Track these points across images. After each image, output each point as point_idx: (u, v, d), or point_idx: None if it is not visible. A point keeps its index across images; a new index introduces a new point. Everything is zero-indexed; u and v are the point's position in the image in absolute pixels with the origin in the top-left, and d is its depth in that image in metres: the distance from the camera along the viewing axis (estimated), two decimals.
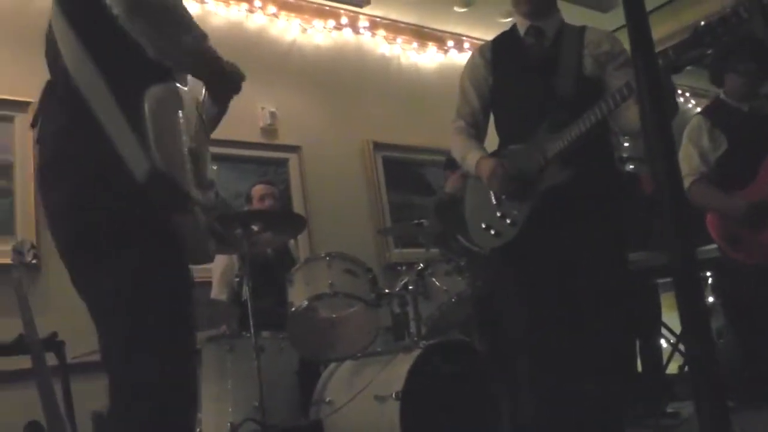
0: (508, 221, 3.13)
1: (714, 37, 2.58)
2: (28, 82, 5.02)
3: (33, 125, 1.99)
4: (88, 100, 1.80)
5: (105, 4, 1.79)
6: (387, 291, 4.25)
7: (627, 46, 1.24)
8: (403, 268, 4.92)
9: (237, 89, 2.09)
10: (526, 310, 3.13)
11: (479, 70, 3.39)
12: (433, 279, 4.24)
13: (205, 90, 2.04)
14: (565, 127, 2.99)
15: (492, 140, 3.41)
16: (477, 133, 3.42)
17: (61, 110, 1.90)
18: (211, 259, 1.95)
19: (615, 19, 7.77)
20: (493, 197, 3.22)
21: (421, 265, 4.33)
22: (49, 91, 1.96)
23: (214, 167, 2.09)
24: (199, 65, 1.96)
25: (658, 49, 1.35)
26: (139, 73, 1.83)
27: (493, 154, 3.27)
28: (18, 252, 3.70)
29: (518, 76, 3.28)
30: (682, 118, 4.09)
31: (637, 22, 1.19)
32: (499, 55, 3.37)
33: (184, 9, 1.91)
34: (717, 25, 2.56)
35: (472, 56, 3.49)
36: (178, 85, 1.93)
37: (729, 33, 2.57)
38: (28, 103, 5.00)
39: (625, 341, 3.51)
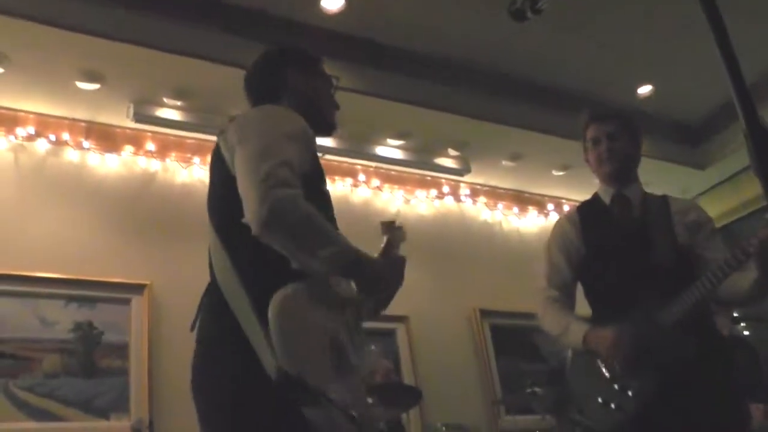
0: (630, 393, 2.94)
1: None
2: (142, 266, 5.26)
3: (192, 329, 2.16)
4: (231, 306, 1.98)
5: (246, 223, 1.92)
6: None
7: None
8: None
9: (384, 289, 2.21)
10: None
11: (569, 239, 3.30)
12: None
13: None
14: (670, 297, 2.90)
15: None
16: (570, 302, 3.29)
17: (210, 316, 2.10)
18: None
19: (712, 176, 7.75)
20: (605, 370, 3.04)
21: None
22: (206, 296, 2.16)
23: (372, 347, 2.17)
24: (341, 272, 2.06)
25: None
26: (277, 277, 1.92)
27: (592, 324, 3.10)
28: (137, 430, 3.74)
29: (612, 246, 3.18)
30: None
31: None
32: (588, 223, 3.30)
33: (321, 219, 1.98)
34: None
35: (560, 224, 3.41)
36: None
37: None
38: (143, 286, 5.23)
39: None
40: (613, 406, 2.98)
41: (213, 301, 2.09)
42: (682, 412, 2.83)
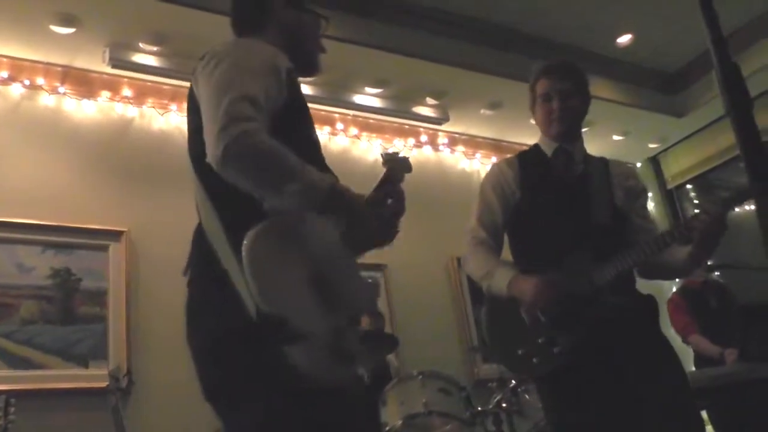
0: (555, 349, 2.84)
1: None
2: (119, 213, 5.25)
3: (185, 273, 2.13)
4: (214, 247, 1.93)
5: None
6: (481, 409, 4.16)
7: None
8: (494, 384, 4.83)
9: (368, 226, 2.09)
10: None
11: (507, 183, 3.16)
12: (527, 396, 4.15)
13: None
14: (606, 256, 2.87)
15: None
16: (498, 247, 3.16)
17: (196, 259, 2.07)
18: (348, 383, 1.93)
19: (690, 124, 7.79)
20: (528, 321, 2.91)
21: (513, 381, 4.25)
22: (193, 239, 2.11)
23: (369, 280, 2.12)
24: (315, 209, 1.93)
25: None
26: (253, 215, 1.85)
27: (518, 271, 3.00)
28: (114, 377, 3.76)
29: (549, 198, 3.08)
30: None
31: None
32: (527, 171, 3.17)
33: (285, 154, 1.88)
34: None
35: (499, 167, 3.25)
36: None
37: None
38: (121, 233, 5.23)
39: None
40: (535, 360, 2.90)
41: (198, 242, 2.06)
42: (609, 367, 2.80)
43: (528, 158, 3.24)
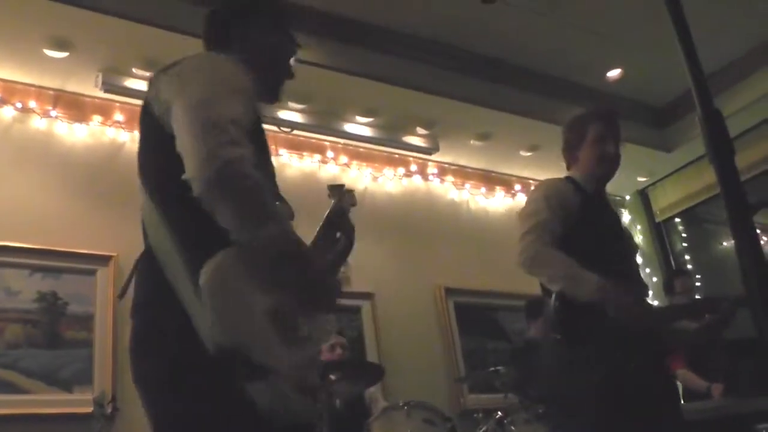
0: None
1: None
2: (108, 237, 5.22)
3: (120, 296, 2.05)
4: (166, 273, 1.81)
5: (184, 182, 1.72)
6: None
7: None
8: (480, 414, 4.82)
9: (317, 293, 1.92)
10: None
11: (572, 204, 3.10)
12: (513, 428, 4.14)
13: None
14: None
15: None
16: None
17: (145, 284, 1.93)
18: (307, 420, 1.83)
19: (678, 159, 7.83)
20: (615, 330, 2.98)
21: (500, 413, 4.24)
22: (140, 262, 1.98)
23: (329, 316, 2.07)
24: (274, 259, 1.79)
25: None
26: (215, 242, 1.73)
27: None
28: (99, 404, 3.74)
29: (602, 232, 3.12)
30: None
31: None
32: (582, 199, 3.15)
33: (269, 193, 1.82)
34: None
35: (563, 184, 3.21)
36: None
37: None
38: (109, 257, 5.20)
39: None
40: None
41: (146, 267, 1.92)
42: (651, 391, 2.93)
43: (578, 187, 3.21)
